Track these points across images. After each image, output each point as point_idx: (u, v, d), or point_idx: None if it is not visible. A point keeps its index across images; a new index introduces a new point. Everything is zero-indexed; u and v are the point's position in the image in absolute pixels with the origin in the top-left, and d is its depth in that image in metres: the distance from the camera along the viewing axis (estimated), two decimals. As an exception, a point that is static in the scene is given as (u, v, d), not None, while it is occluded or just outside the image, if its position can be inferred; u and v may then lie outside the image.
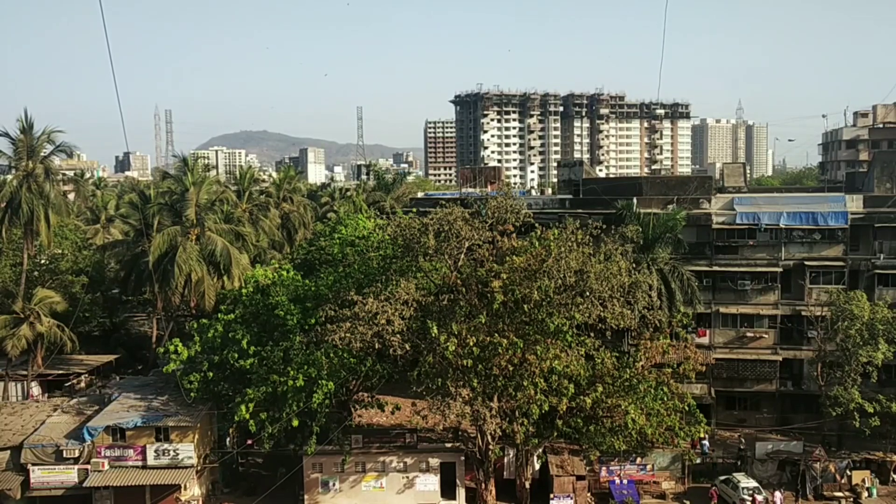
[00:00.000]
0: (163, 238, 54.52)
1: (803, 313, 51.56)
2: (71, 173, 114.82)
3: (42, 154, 54.51)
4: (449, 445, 43.27)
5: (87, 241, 72.47)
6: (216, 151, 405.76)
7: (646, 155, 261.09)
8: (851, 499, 44.17)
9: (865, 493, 44.40)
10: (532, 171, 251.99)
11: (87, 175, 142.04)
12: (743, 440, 49.65)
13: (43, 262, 65.27)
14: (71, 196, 73.88)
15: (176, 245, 54.45)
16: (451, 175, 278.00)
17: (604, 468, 44.79)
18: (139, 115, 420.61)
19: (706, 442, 48.47)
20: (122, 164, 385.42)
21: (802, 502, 44.30)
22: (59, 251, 66.83)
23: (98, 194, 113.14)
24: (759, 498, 42.28)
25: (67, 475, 41.60)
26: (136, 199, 64.13)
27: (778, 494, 42.74)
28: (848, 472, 45.50)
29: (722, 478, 45.09)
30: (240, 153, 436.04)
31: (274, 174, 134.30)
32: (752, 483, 43.63)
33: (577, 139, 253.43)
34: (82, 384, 54.04)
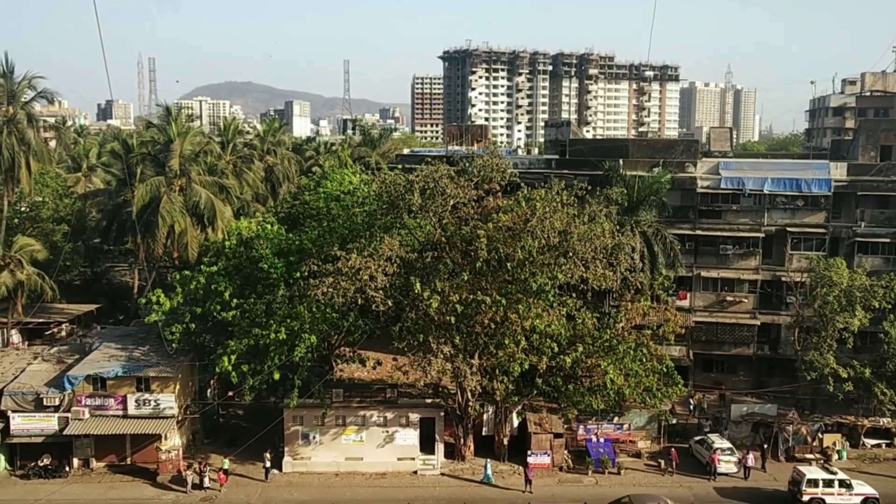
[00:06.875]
0: (146, 188, 53.99)
1: (783, 279, 52.05)
2: (52, 120, 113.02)
3: (23, 100, 53.60)
4: (429, 401, 43.63)
5: (68, 189, 71.59)
6: (200, 102, 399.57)
7: (633, 117, 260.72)
8: (822, 461, 45.03)
9: (836, 456, 45.32)
10: (519, 131, 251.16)
11: (69, 122, 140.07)
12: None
13: (23, 209, 64.57)
14: (52, 143, 72.53)
15: (159, 196, 53.97)
16: (437, 132, 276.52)
17: (581, 427, 45.39)
18: (122, 63, 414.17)
19: (692, 401, 49.97)
20: (105, 112, 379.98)
21: (774, 463, 45.20)
22: (40, 199, 66.08)
23: (80, 142, 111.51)
24: (733, 459, 43.14)
25: (48, 423, 41.71)
26: (119, 148, 63.13)
27: (751, 455, 43.60)
28: (820, 435, 46.44)
29: (696, 438, 45.95)
30: (224, 104, 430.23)
31: (258, 126, 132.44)
32: (726, 444, 44.46)
33: (565, 99, 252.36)
34: (63, 333, 53.91)
